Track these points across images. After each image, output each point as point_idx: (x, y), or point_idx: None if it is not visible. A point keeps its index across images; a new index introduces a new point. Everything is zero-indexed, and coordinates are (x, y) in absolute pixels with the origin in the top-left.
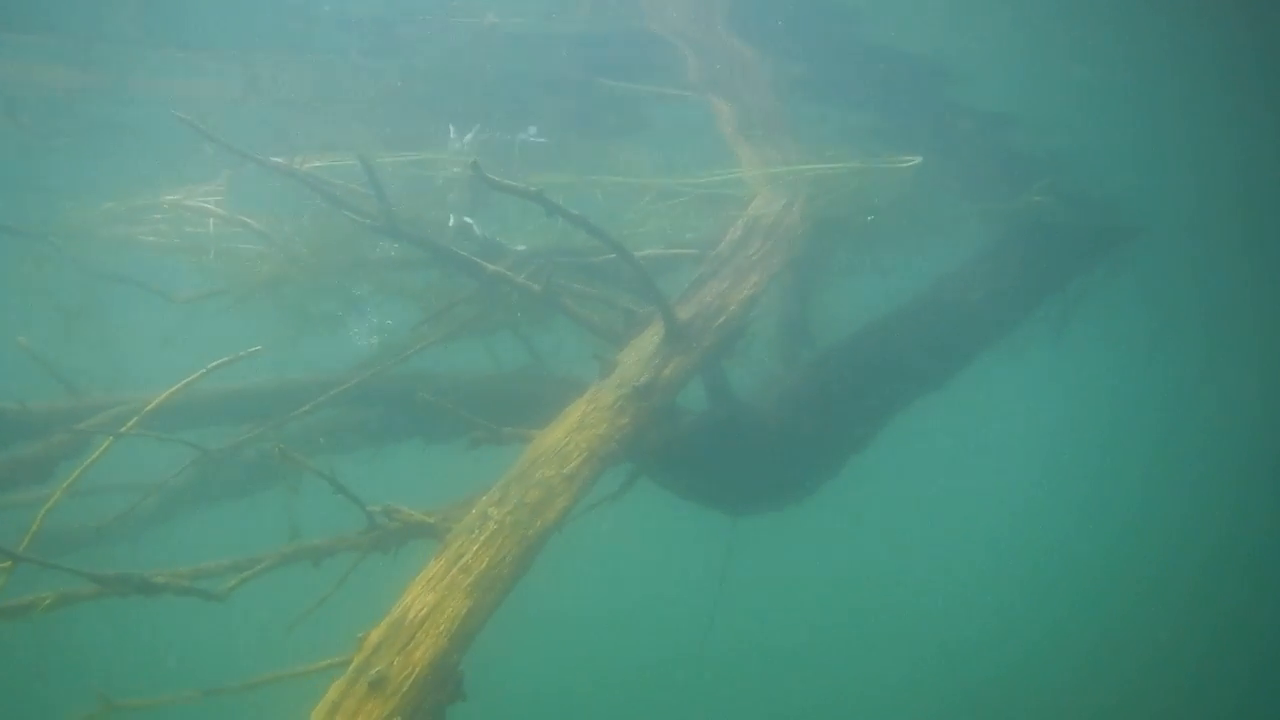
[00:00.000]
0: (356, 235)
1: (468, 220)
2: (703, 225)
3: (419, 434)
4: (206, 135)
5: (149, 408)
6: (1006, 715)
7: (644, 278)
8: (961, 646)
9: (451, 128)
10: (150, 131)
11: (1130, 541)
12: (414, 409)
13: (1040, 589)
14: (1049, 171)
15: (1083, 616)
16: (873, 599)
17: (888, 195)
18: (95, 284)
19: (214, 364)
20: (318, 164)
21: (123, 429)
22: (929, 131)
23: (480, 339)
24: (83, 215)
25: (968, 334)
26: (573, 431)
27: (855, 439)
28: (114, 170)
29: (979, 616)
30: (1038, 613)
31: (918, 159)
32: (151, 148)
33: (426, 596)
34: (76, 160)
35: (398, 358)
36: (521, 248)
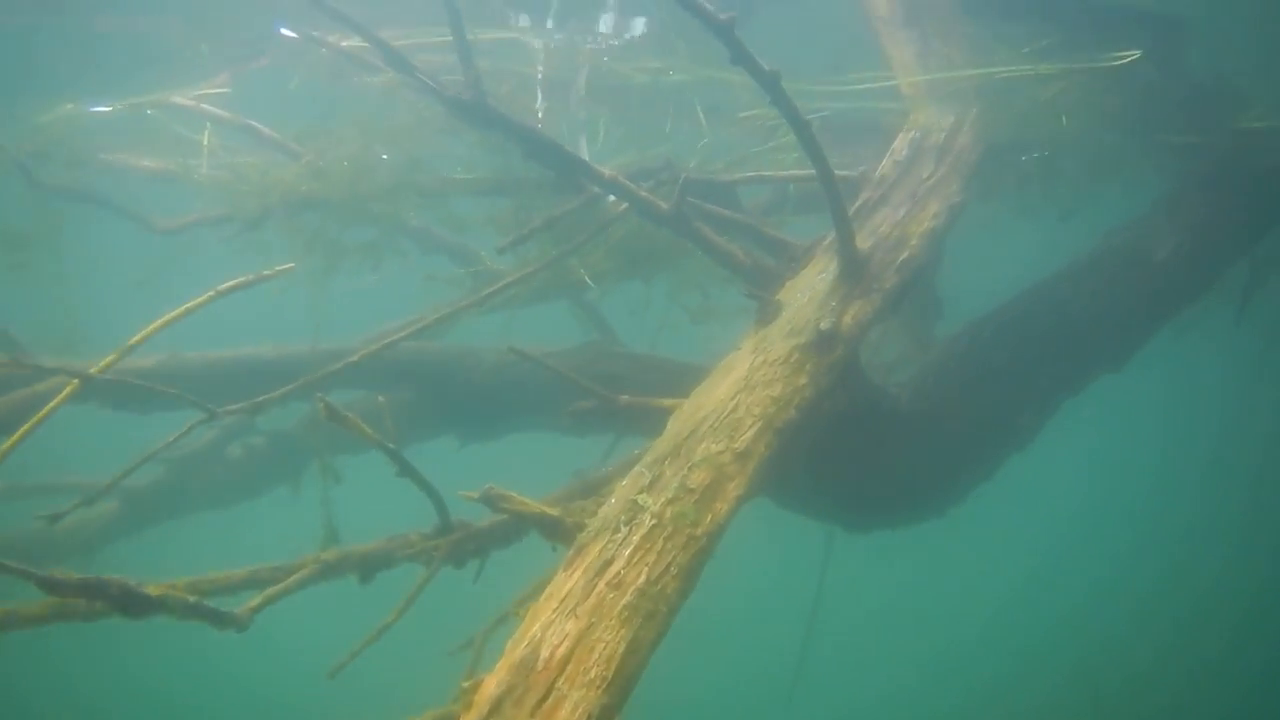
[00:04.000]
0: (405, 149)
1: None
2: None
3: (455, 428)
4: None
5: (109, 359)
6: None
7: (832, 188)
8: None
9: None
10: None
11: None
12: (453, 394)
13: None
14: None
15: None
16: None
17: (1081, 116)
18: (52, 208)
19: (225, 286)
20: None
21: (87, 375)
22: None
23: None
24: (45, 120)
25: (1152, 299)
26: (740, 392)
27: (1016, 432)
28: (89, 73)
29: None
30: None
31: (1135, 53)
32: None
33: (564, 625)
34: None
35: (444, 315)
36: (607, 171)
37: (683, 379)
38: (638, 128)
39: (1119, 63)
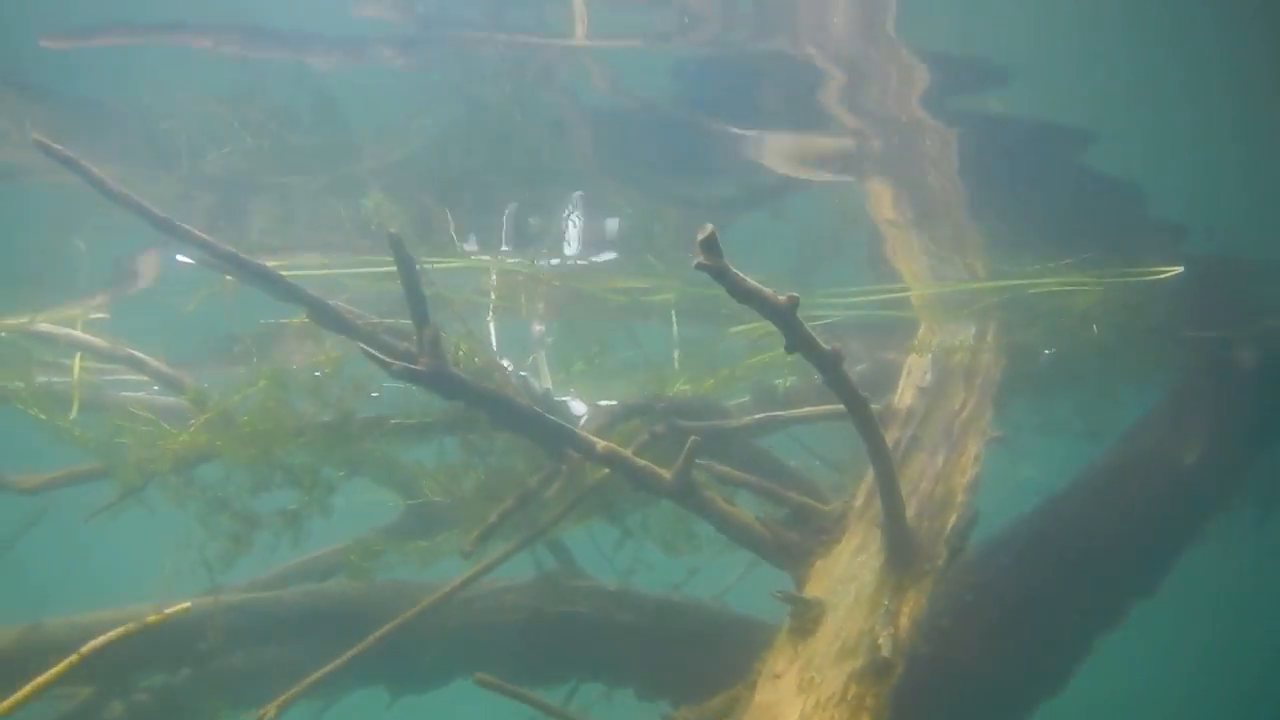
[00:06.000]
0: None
1: (523, 374)
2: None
3: (386, 679)
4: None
5: None
6: None
7: (886, 470)
8: None
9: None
10: None
11: None
12: (387, 647)
13: None
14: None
15: None
16: None
17: (1109, 325)
18: None
19: (89, 646)
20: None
21: None
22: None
23: None
24: None
25: (1183, 508)
26: None
27: (1046, 678)
28: None
29: None
30: None
31: (1178, 268)
32: None
33: None
34: None
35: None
36: (582, 410)
37: (657, 620)
38: (601, 334)
39: (1161, 276)
